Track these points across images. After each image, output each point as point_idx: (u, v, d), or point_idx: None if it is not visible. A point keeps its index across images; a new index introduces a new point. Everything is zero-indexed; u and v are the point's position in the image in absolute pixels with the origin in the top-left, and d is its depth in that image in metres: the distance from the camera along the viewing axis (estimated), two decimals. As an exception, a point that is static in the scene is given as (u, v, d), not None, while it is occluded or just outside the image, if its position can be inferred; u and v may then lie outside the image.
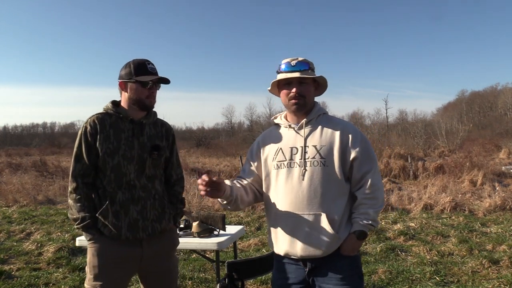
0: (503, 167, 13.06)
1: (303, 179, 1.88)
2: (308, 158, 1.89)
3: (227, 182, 1.96)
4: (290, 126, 2.01)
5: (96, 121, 2.12)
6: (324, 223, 1.84)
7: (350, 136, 1.92)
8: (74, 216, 2.10)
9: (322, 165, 1.88)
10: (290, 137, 1.99)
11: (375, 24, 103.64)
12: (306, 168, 1.88)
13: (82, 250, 5.35)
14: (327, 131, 1.94)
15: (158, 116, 2.35)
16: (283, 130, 2.04)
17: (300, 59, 1.97)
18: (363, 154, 1.91)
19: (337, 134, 1.92)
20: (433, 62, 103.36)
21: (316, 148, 1.91)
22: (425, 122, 35.58)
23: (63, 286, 4.22)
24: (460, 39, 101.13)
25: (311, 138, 1.94)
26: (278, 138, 2.02)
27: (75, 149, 2.13)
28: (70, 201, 2.13)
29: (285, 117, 2.08)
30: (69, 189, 2.14)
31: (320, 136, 1.94)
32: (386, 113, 56.49)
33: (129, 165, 2.12)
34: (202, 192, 1.82)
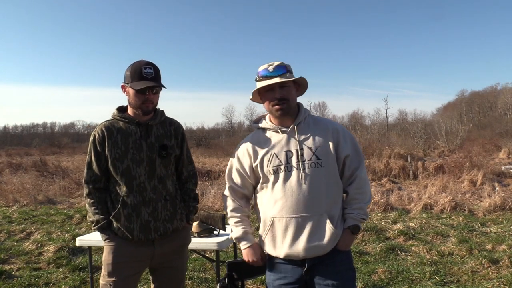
0: (503, 167, 13.04)
1: (304, 182, 1.87)
2: (305, 161, 1.89)
3: (240, 218, 2.05)
4: (280, 129, 1.98)
5: (103, 129, 2.19)
6: (327, 222, 1.87)
7: (339, 134, 1.97)
8: (91, 219, 2.23)
9: (320, 166, 1.89)
10: (282, 140, 1.96)
11: (375, 25, 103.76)
12: (306, 171, 1.88)
13: (82, 250, 5.35)
14: (318, 131, 1.96)
15: None
16: (272, 134, 2.00)
17: (276, 63, 1.95)
18: (353, 151, 1.97)
19: (328, 134, 1.96)
20: (433, 62, 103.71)
21: (311, 150, 1.91)
22: (425, 122, 35.57)
23: (63, 286, 4.23)
24: (460, 39, 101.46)
25: (304, 140, 1.94)
26: (268, 142, 1.98)
27: (87, 157, 2.24)
28: (86, 205, 2.27)
29: (270, 120, 2.05)
30: (84, 194, 2.27)
31: (313, 138, 1.94)
32: (386, 113, 56.85)
33: (139, 168, 2.17)
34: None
